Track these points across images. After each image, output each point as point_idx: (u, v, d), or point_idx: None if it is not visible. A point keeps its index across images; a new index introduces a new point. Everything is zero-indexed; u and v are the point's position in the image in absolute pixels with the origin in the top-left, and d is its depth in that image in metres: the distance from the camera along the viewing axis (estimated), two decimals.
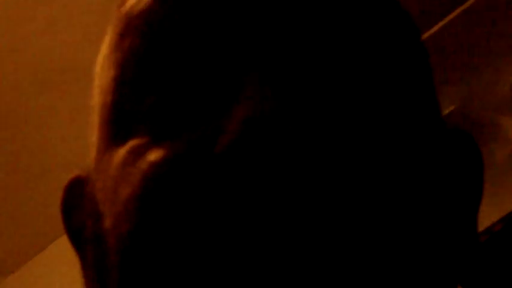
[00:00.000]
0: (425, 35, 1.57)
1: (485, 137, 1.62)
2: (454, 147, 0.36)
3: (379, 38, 0.32)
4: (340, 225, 0.27)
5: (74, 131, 1.74)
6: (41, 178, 1.93)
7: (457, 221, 0.34)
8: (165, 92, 0.31)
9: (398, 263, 0.28)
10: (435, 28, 1.63)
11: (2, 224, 2.04)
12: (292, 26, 0.31)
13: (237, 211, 0.27)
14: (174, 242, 0.28)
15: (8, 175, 1.91)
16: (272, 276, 0.27)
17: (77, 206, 0.37)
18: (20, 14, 1.57)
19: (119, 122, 0.33)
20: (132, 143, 0.31)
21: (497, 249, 1.53)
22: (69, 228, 0.38)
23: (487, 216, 1.54)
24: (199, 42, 0.31)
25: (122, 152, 0.32)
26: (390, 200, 0.28)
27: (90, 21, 1.55)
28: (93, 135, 0.36)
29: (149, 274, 0.29)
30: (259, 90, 0.28)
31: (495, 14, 1.64)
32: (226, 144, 0.28)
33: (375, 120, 0.30)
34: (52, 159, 1.88)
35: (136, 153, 0.31)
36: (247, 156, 0.27)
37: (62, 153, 1.84)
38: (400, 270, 0.28)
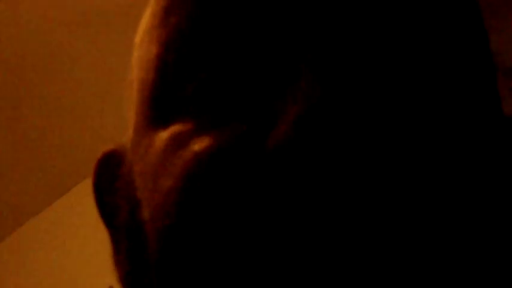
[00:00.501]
0: None
1: None
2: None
3: (437, 28, 0.30)
4: (403, 228, 0.26)
5: (104, 73, 1.76)
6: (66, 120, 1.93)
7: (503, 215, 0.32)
8: (212, 77, 0.29)
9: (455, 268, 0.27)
10: None
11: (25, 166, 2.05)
12: (350, 16, 0.29)
13: (286, 213, 0.26)
14: (216, 241, 0.27)
15: (35, 117, 1.92)
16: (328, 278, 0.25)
17: (111, 185, 0.36)
18: None
19: (161, 104, 0.31)
20: (174, 129, 0.30)
21: None
22: (102, 207, 0.37)
23: None
24: (252, 26, 0.29)
25: (163, 137, 0.30)
26: (450, 200, 0.27)
27: None
28: (131, 111, 0.34)
29: (188, 271, 0.28)
30: (313, 83, 0.27)
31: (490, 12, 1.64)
32: (278, 143, 0.26)
33: (431, 117, 0.28)
34: (80, 101, 1.88)
35: (179, 141, 0.29)
36: (299, 157, 0.26)
37: (90, 95, 1.86)
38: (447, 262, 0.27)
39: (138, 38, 0.35)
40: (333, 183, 0.25)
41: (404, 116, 0.27)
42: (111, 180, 0.36)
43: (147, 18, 0.34)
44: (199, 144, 0.28)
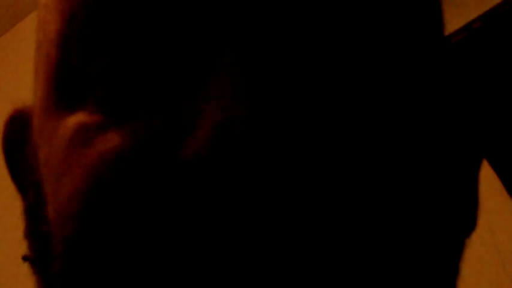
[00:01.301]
0: None
1: None
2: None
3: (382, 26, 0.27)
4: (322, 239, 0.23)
5: None
6: None
7: (457, 177, 0.31)
8: (117, 61, 0.26)
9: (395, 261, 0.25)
10: None
11: None
12: (275, 7, 0.25)
13: (199, 227, 0.23)
14: (119, 256, 0.24)
15: None
16: None
17: (22, 148, 0.33)
18: None
19: (65, 83, 0.28)
20: (80, 118, 0.27)
21: (476, 47, 1.47)
22: (14, 174, 0.35)
23: (466, 14, 1.54)
24: (172, 9, 0.25)
25: (68, 125, 0.27)
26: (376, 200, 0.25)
27: None
28: (39, 80, 0.30)
29: (90, 283, 0.25)
30: (232, 84, 0.24)
31: None
32: (194, 153, 0.23)
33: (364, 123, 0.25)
34: None
35: (84, 136, 0.26)
36: (217, 170, 0.23)
37: None
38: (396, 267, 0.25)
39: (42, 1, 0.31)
40: (248, 200, 0.23)
41: (325, 121, 0.24)
42: (21, 142, 0.33)
43: None
44: (104, 144, 0.25)
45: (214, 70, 0.25)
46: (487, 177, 1.45)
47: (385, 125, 0.26)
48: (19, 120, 0.34)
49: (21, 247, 0.33)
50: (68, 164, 0.26)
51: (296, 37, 0.25)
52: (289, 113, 0.24)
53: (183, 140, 0.24)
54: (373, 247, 0.24)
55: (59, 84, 0.28)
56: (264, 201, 0.23)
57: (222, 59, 0.25)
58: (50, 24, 0.29)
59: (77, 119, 0.27)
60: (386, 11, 0.27)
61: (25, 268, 0.32)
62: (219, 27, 0.25)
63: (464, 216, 0.32)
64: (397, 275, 0.25)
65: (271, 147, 0.23)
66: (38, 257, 0.30)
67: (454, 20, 1.51)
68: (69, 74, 0.27)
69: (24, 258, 0.32)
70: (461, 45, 1.02)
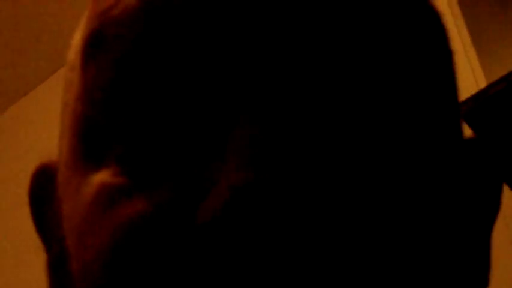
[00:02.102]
0: None
1: None
2: (472, 157, 0.33)
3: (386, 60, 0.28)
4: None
5: None
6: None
7: (470, 235, 0.32)
8: (138, 125, 0.27)
9: (409, 273, 0.26)
10: None
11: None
12: (285, 68, 0.27)
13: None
14: None
15: None
16: None
17: (47, 201, 0.34)
18: None
19: (90, 141, 0.29)
20: (103, 177, 0.28)
21: None
22: (39, 226, 0.36)
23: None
24: (187, 75, 0.27)
25: (92, 184, 0.28)
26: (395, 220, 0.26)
27: None
28: (64, 136, 0.32)
29: None
30: (246, 150, 0.25)
31: None
32: (211, 214, 0.24)
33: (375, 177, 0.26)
34: None
35: (108, 197, 0.27)
36: (232, 231, 0.24)
37: None
38: (410, 279, 0.26)
39: (70, 55, 0.33)
40: (262, 263, 0.24)
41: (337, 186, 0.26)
42: (47, 195, 0.34)
43: (77, 38, 0.32)
44: (127, 208, 0.27)
45: (229, 136, 0.26)
46: None
47: (393, 193, 0.26)
48: (45, 174, 0.35)
49: None
50: (91, 223, 0.28)
51: (305, 104, 0.27)
52: (302, 180, 0.25)
53: (201, 203, 0.25)
54: None
55: (83, 140, 0.29)
56: (272, 261, 0.24)
57: (237, 124, 0.26)
58: (76, 83, 0.31)
59: (100, 178, 0.28)
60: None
61: None
62: (232, 94, 0.27)
63: (477, 275, 0.32)
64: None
65: (282, 210, 0.24)
66: None
67: None
68: (93, 131, 0.29)
69: None
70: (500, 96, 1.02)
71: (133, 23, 0.28)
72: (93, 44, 0.29)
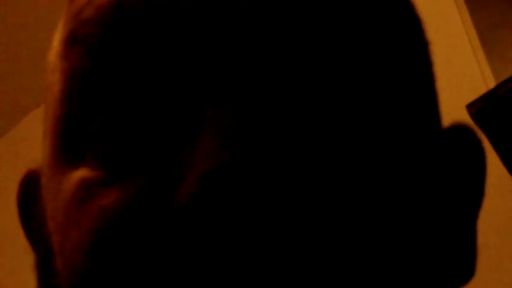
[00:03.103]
0: None
1: None
2: (454, 146, 0.34)
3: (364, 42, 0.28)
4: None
5: None
6: None
7: (457, 222, 0.33)
8: (112, 119, 0.28)
9: (394, 264, 0.27)
10: None
11: None
12: (259, 51, 0.27)
13: (191, 271, 0.25)
14: None
15: None
16: None
17: (34, 206, 0.35)
18: None
19: (69, 140, 0.30)
20: (82, 173, 0.29)
21: None
22: (28, 232, 0.37)
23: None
24: (156, 66, 0.28)
25: (72, 180, 0.29)
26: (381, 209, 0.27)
27: None
28: (46, 138, 0.33)
29: None
30: (219, 133, 0.26)
31: None
32: (185, 199, 0.25)
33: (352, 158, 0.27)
34: None
35: (87, 190, 0.28)
36: (206, 214, 0.25)
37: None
38: (394, 270, 0.27)
39: (50, 57, 0.34)
40: (237, 242, 0.25)
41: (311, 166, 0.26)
42: (33, 200, 0.36)
43: (55, 42, 0.33)
44: (105, 199, 0.28)
45: (199, 123, 0.27)
46: None
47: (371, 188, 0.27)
48: (31, 180, 0.37)
49: None
50: (72, 217, 0.29)
51: (276, 90, 0.27)
52: (271, 162, 0.26)
53: (175, 189, 0.26)
54: None
55: (62, 140, 0.31)
56: (244, 242, 0.25)
57: (206, 111, 0.27)
58: (55, 84, 0.32)
59: (79, 174, 0.29)
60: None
61: None
62: (201, 81, 0.27)
63: (463, 263, 0.33)
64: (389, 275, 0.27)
65: (254, 191, 0.25)
66: None
67: None
68: (72, 130, 0.30)
69: None
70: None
71: (103, 20, 0.29)
72: (69, 44, 0.31)
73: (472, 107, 1.04)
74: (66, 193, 0.29)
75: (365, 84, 0.28)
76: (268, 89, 0.27)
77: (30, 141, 2.23)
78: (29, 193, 0.37)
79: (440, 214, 0.31)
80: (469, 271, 0.33)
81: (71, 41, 0.30)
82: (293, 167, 0.26)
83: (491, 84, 1.40)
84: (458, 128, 0.35)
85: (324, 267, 0.25)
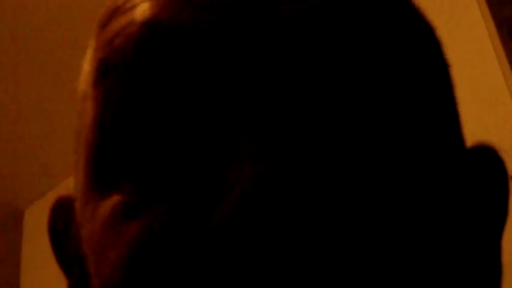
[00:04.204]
0: None
1: None
2: (476, 167, 0.34)
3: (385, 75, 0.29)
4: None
5: None
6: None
7: (481, 245, 0.33)
8: (147, 147, 0.29)
9: (419, 283, 0.27)
10: None
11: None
12: (287, 88, 0.28)
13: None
14: None
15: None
16: None
17: (67, 232, 0.37)
18: None
19: (102, 168, 0.31)
20: (116, 200, 0.30)
21: None
22: (59, 256, 0.38)
23: None
24: (189, 95, 0.29)
25: (106, 207, 0.30)
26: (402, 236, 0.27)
27: None
28: (79, 165, 0.33)
29: None
30: (255, 158, 0.27)
31: None
32: (222, 220, 0.26)
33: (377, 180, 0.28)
34: None
35: (122, 215, 0.29)
36: (244, 231, 0.26)
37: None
38: None
39: (80, 85, 0.34)
40: (276, 263, 0.25)
41: (351, 199, 0.27)
42: (65, 225, 0.37)
43: (86, 68, 0.34)
44: (143, 220, 0.28)
45: (232, 150, 0.28)
46: None
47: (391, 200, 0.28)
48: (62, 206, 0.37)
49: None
50: (109, 238, 0.29)
51: (300, 119, 0.28)
52: (304, 182, 0.27)
53: (212, 211, 0.27)
54: None
55: (97, 167, 0.31)
56: (281, 259, 0.25)
57: (240, 139, 0.28)
58: (87, 112, 0.32)
59: (115, 198, 0.30)
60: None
61: None
62: (235, 111, 0.28)
63: (488, 281, 0.33)
64: None
65: (290, 208, 0.26)
66: None
67: None
68: (106, 157, 0.30)
69: None
70: None
71: (135, 49, 0.30)
72: (101, 72, 0.31)
73: None
74: (102, 216, 0.30)
75: (385, 110, 0.29)
76: (295, 116, 0.28)
77: None
78: (60, 219, 0.37)
79: (463, 232, 0.31)
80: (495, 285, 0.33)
81: (103, 69, 0.31)
82: (325, 187, 0.27)
83: None
84: (482, 149, 0.35)
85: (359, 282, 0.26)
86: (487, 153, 0.35)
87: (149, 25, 0.30)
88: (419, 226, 0.28)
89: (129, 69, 0.29)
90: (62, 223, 0.37)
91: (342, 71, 0.28)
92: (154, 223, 0.28)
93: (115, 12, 0.32)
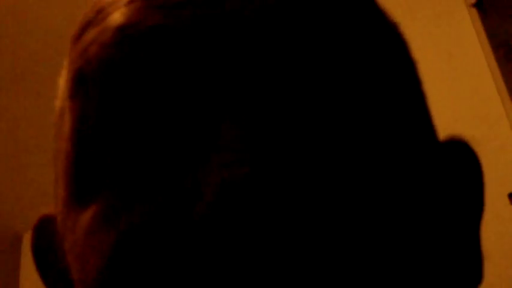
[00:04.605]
0: None
1: None
2: (450, 160, 0.35)
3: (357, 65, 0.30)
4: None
5: None
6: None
7: (460, 236, 0.34)
8: (127, 149, 0.29)
9: (400, 274, 0.27)
10: None
11: None
12: (270, 71, 0.28)
13: (213, 280, 0.26)
14: None
15: None
16: None
17: (49, 252, 0.36)
18: None
19: (82, 178, 0.31)
20: (96, 207, 0.29)
21: None
22: (43, 272, 0.38)
23: None
24: (167, 98, 0.29)
25: (87, 216, 0.30)
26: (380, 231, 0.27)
27: None
28: (58, 179, 0.33)
29: None
30: (234, 147, 0.27)
31: None
32: (204, 210, 0.26)
33: (357, 174, 0.28)
34: None
35: (103, 220, 0.29)
36: (225, 222, 0.25)
37: None
38: (401, 280, 0.27)
39: (56, 103, 0.34)
40: (256, 253, 0.25)
41: (331, 192, 0.27)
42: (49, 244, 0.36)
43: (62, 81, 0.34)
44: (124, 221, 0.28)
45: (214, 140, 0.27)
46: None
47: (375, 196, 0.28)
48: (43, 223, 0.38)
49: None
50: (90, 246, 0.29)
51: (284, 104, 0.28)
52: (284, 171, 0.26)
53: (193, 203, 0.27)
54: None
55: (76, 178, 0.31)
56: (263, 248, 0.25)
57: (220, 129, 0.27)
58: (66, 124, 0.32)
59: (93, 209, 0.29)
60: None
61: None
62: (214, 100, 0.28)
63: (469, 271, 0.34)
64: None
65: (270, 198, 0.25)
66: None
67: None
68: (85, 167, 0.30)
69: None
70: None
71: (110, 54, 0.29)
72: (77, 82, 0.31)
73: None
74: (84, 224, 0.30)
75: (361, 100, 0.29)
76: (276, 105, 0.28)
77: None
78: (43, 236, 0.37)
79: (440, 223, 0.31)
80: (477, 277, 0.34)
81: (79, 79, 0.31)
82: (304, 177, 0.27)
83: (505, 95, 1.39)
84: (453, 141, 0.36)
85: (339, 277, 0.26)
86: (459, 145, 0.36)
87: (123, 30, 0.30)
88: (397, 219, 0.28)
89: (105, 74, 0.29)
90: (45, 240, 0.37)
91: (313, 63, 0.28)
92: (134, 222, 0.27)
93: (87, 25, 0.32)
